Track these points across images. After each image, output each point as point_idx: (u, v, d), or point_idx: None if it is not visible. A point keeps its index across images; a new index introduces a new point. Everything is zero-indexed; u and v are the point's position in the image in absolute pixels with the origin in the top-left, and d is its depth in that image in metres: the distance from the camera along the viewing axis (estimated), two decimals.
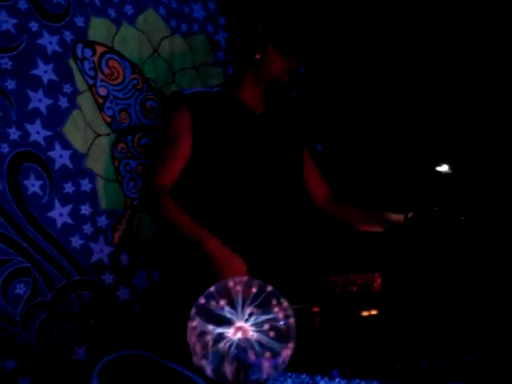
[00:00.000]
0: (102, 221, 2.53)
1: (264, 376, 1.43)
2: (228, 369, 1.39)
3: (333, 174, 3.24)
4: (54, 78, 2.46)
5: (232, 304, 1.37)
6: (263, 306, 1.39)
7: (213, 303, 1.36)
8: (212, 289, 1.40)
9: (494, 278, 1.86)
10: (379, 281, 1.76)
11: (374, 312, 1.67)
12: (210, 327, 1.39)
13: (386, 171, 3.07)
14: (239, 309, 1.38)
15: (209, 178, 2.16)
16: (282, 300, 1.40)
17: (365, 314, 1.67)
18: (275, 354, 1.44)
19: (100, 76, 2.60)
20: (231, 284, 1.36)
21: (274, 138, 2.30)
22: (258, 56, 2.19)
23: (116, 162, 2.60)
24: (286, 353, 1.43)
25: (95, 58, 2.59)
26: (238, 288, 1.36)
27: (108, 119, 2.60)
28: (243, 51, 2.21)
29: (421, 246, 1.77)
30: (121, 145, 2.63)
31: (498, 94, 2.59)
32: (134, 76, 2.70)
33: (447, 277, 1.73)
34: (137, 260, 2.61)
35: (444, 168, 1.90)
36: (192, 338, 1.41)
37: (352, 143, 3.31)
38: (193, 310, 1.45)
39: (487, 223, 1.94)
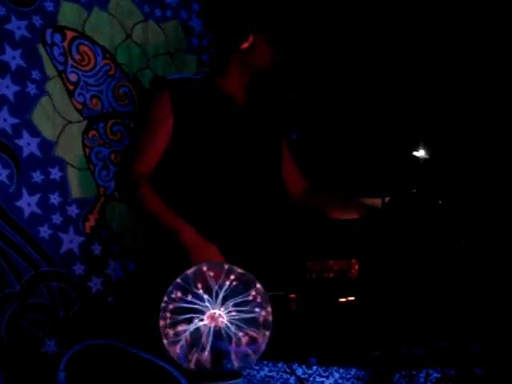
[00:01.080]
0: (73, 210, 2.47)
1: (239, 364, 1.38)
2: (201, 357, 1.34)
3: (308, 162, 3.29)
4: (22, 63, 2.39)
5: (206, 290, 1.32)
6: (238, 292, 1.34)
7: (186, 288, 1.31)
8: (186, 273, 1.35)
9: (470, 262, 1.83)
10: (356, 267, 1.72)
11: (351, 298, 1.64)
12: (184, 308, 1.34)
13: (362, 158, 3.06)
14: (213, 295, 1.33)
15: (187, 165, 2.12)
16: (258, 286, 1.36)
17: (342, 300, 1.63)
18: (251, 342, 1.39)
19: (70, 62, 2.54)
20: (205, 269, 1.31)
21: (254, 128, 2.27)
22: (245, 45, 2.14)
23: (87, 150, 2.55)
24: (262, 340, 1.39)
25: (65, 44, 2.53)
26: (212, 273, 1.31)
27: (79, 106, 2.54)
28: (228, 39, 2.16)
29: (398, 230, 1.74)
30: (92, 132, 2.58)
31: (474, 78, 2.58)
32: (105, 62, 2.65)
33: (424, 261, 1.71)
34: (109, 250, 2.56)
35: (421, 153, 1.87)
36: (163, 325, 1.36)
37: (327, 131, 3.30)
38: (165, 296, 1.41)
39: (465, 207, 1.92)
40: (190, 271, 1.41)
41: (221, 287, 1.30)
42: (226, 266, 1.32)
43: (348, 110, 3.22)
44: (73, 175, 2.48)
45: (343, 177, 3.07)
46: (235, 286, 1.31)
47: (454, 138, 2.47)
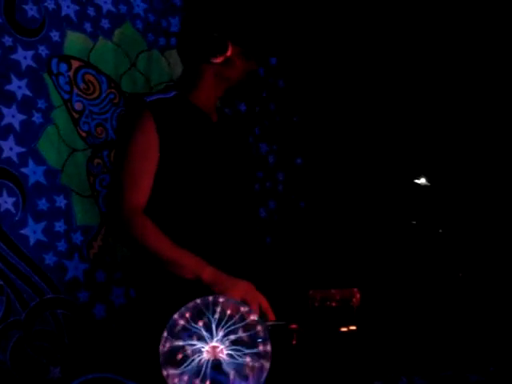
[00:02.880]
0: (77, 237, 2.49)
1: None
2: None
3: (312, 187, 3.30)
4: (28, 93, 2.42)
5: (208, 323, 1.34)
6: (239, 325, 1.36)
7: (188, 319, 1.33)
8: (189, 305, 1.36)
9: (473, 291, 1.84)
10: (358, 296, 1.72)
11: (352, 327, 1.64)
12: (184, 344, 1.35)
13: (365, 184, 3.04)
14: (214, 328, 1.34)
15: (178, 190, 2.06)
16: (258, 320, 1.37)
17: (344, 329, 1.64)
18: (250, 375, 1.40)
19: (76, 91, 2.56)
20: (209, 302, 1.33)
21: (230, 146, 2.21)
22: (219, 60, 2.06)
23: (91, 178, 2.57)
24: (262, 374, 1.40)
25: (71, 73, 2.56)
26: (217, 307, 1.33)
27: (84, 134, 2.57)
28: (200, 52, 2.03)
29: (399, 259, 1.75)
30: (97, 160, 2.59)
31: (475, 107, 2.58)
32: (110, 90, 2.66)
33: (426, 291, 1.71)
34: (113, 277, 2.57)
35: (422, 180, 1.87)
36: (164, 355, 1.37)
37: (332, 156, 3.28)
38: (167, 326, 1.42)
39: (465, 236, 1.92)
40: (193, 302, 1.41)
41: (222, 320, 1.31)
42: (229, 300, 1.33)
43: (352, 137, 3.20)
44: (77, 203, 2.50)
45: (344, 203, 3.06)
46: (236, 319, 1.33)
47: (456, 164, 2.47)
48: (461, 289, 1.69)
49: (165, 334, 1.35)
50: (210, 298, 1.35)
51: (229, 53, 2.01)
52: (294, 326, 1.62)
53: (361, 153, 3.15)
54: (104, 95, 2.65)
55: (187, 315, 1.33)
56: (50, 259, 2.40)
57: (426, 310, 1.69)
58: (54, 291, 2.40)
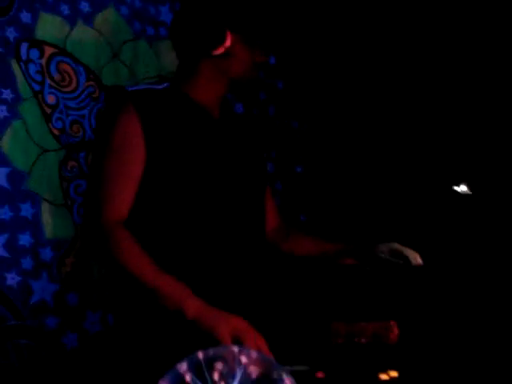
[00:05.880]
0: (46, 253, 2.19)
1: None
2: None
3: (313, 199, 3.05)
4: None
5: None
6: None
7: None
8: (201, 355, 0.99)
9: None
10: (396, 330, 1.36)
11: (393, 374, 1.27)
12: None
13: (368, 196, 2.83)
14: None
15: (169, 200, 1.72)
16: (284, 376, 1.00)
17: (383, 377, 1.27)
18: None
19: (48, 81, 2.27)
20: (201, 357, 0.96)
21: (238, 148, 1.89)
22: (218, 51, 1.75)
23: (65, 184, 2.27)
24: None
25: (43, 61, 2.26)
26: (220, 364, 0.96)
27: (57, 132, 2.27)
28: (199, 42, 1.78)
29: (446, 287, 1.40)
30: (71, 163, 2.30)
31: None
32: (89, 83, 2.37)
33: (481, 325, 1.36)
34: (87, 300, 2.26)
35: (462, 188, 1.56)
36: None
37: (334, 165, 3.05)
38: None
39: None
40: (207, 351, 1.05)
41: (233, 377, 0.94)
42: (236, 349, 0.96)
43: (355, 146, 2.98)
44: (47, 212, 2.21)
45: (346, 215, 2.82)
46: (249, 373, 0.96)
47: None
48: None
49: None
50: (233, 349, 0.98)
51: (228, 42, 1.74)
52: (320, 374, 1.25)
53: (365, 162, 2.92)
54: (82, 88, 2.35)
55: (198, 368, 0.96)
56: (12, 279, 2.11)
57: (482, 350, 1.34)
58: (17, 317, 2.10)
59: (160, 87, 1.81)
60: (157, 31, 2.60)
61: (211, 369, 0.97)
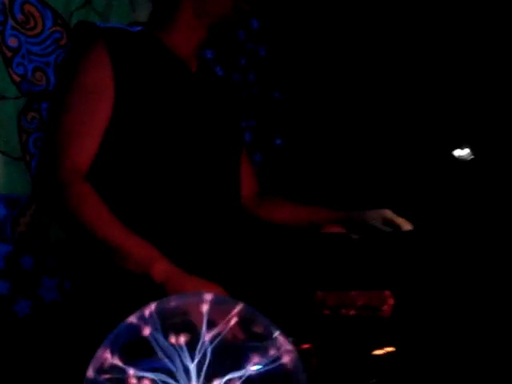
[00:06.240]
0: None
1: None
2: None
3: (291, 172, 2.89)
4: None
5: (188, 344, 0.78)
6: (241, 348, 0.80)
7: (148, 336, 0.78)
8: (148, 310, 0.81)
9: None
10: (391, 301, 1.19)
11: (389, 349, 1.10)
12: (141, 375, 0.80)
13: (348, 168, 2.72)
14: (197, 355, 0.79)
15: (137, 152, 1.52)
16: (279, 335, 0.82)
17: (378, 352, 1.09)
18: None
19: (10, 22, 2.05)
20: (188, 305, 0.78)
21: (214, 106, 1.71)
22: None
23: (24, 135, 2.04)
24: None
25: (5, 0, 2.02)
26: (200, 311, 0.78)
27: (17, 78, 2.04)
28: None
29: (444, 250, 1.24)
30: (32, 113, 2.08)
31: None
32: (56, 28, 2.16)
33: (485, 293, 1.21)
34: (44, 264, 2.04)
35: (465, 151, 1.41)
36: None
37: (314, 139, 2.92)
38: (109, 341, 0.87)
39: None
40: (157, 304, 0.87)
41: (209, 340, 0.76)
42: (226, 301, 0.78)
43: (337, 118, 2.82)
44: (2, 165, 1.99)
45: (327, 189, 2.68)
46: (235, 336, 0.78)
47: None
48: None
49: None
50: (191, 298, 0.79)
51: None
52: (306, 345, 1.07)
53: (348, 136, 2.77)
54: (47, 33, 2.13)
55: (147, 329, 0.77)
56: None
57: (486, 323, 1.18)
58: None
59: (133, 30, 1.61)
60: None
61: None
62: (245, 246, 1.60)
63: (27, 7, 2.09)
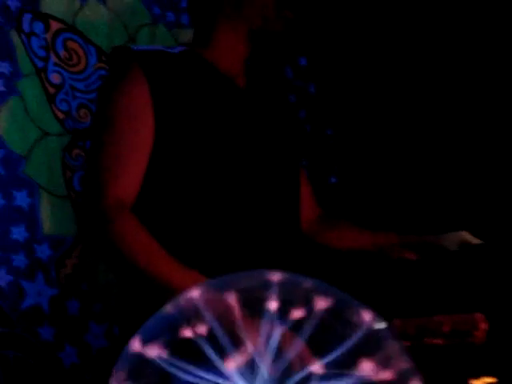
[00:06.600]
0: (44, 251, 1.91)
1: None
2: None
3: (347, 209, 2.80)
4: None
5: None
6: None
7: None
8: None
9: None
10: (484, 325, 1.03)
11: (489, 380, 0.93)
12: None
13: (405, 206, 2.54)
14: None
15: (184, 180, 1.43)
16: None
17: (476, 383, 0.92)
18: None
19: (53, 58, 2.04)
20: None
21: (268, 124, 1.61)
22: None
23: (68, 173, 2.00)
24: None
25: (48, 36, 2.04)
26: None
27: (61, 115, 2.02)
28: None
29: None
30: (76, 150, 2.05)
31: None
32: (100, 65, 2.16)
33: None
34: (90, 309, 1.98)
35: None
36: None
37: (370, 178, 2.79)
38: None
39: None
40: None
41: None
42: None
43: (392, 153, 2.72)
44: (47, 204, 1.95)
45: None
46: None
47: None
48: None
49: None
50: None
51: None
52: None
53: (402, 176, 2.66)
54: (91, 70, 2.11)
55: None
56: (1, 278, 1.83)
57: None
58: (5, 323, 1.81)
59: (175, 51, 1.55)
60: (177, 18, 2.38)
61: None
62: (309, 275, 1.46)
63: (70, 44, 2.08)
